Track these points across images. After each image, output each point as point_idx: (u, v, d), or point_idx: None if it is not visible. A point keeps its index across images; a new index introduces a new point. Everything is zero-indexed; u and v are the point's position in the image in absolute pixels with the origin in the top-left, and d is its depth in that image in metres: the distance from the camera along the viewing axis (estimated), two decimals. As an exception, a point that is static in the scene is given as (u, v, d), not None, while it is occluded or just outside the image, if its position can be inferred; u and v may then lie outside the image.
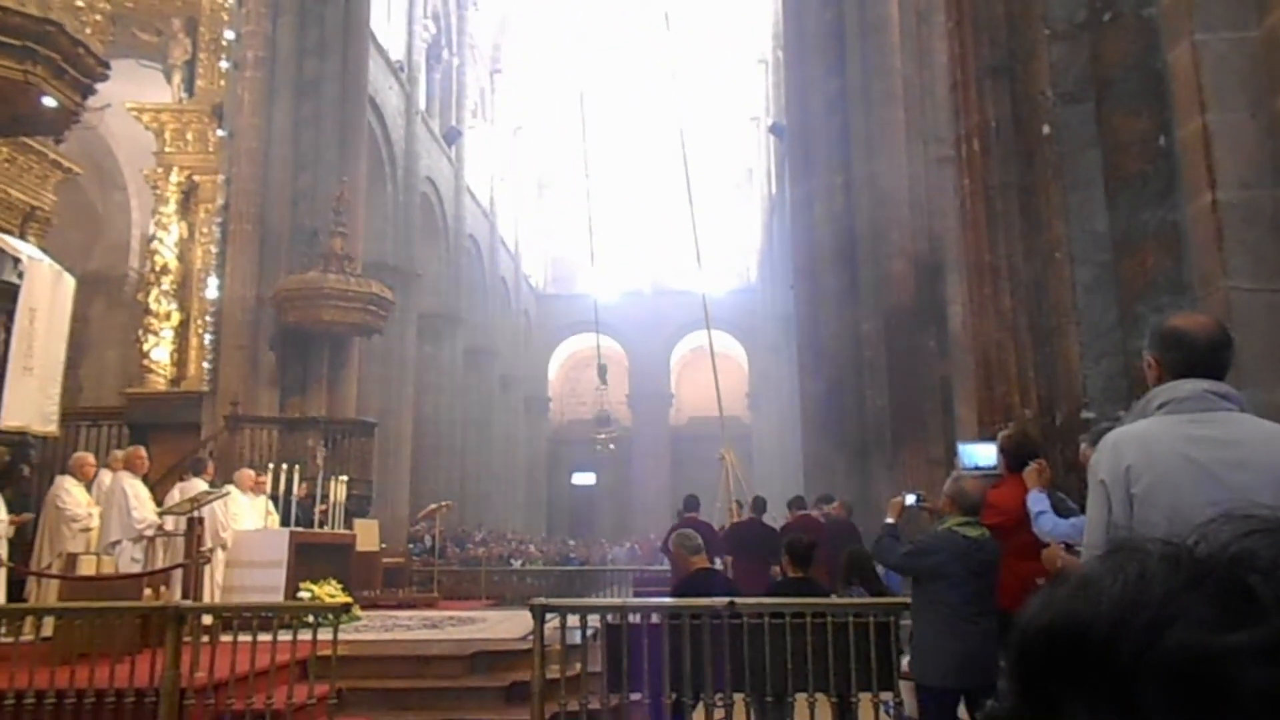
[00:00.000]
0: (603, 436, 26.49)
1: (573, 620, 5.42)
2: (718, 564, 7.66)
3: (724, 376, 16.82)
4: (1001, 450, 4.37)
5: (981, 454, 4.63)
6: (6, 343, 6.10)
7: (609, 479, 31.82)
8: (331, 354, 13.79)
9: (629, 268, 35.19)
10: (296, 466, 10.32)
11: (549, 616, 5.33)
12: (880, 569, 5.50)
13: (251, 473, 9.66)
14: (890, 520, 4.46)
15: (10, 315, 6.21)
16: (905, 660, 4.98)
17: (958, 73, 5.28)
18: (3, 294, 6.20)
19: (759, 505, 9.24)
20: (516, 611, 9.82)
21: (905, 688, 4.97)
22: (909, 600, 4.81)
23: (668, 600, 5.42)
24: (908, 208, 10.60)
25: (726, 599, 4.82)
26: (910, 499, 4.72)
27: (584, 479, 33.13)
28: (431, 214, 22.44)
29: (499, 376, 27.35)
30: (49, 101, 6.71)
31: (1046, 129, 4.59)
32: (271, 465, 10.24)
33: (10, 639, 6.00)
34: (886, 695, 4.83)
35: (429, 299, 21.08)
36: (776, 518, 10.17)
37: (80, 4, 13.14)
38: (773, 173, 26.64)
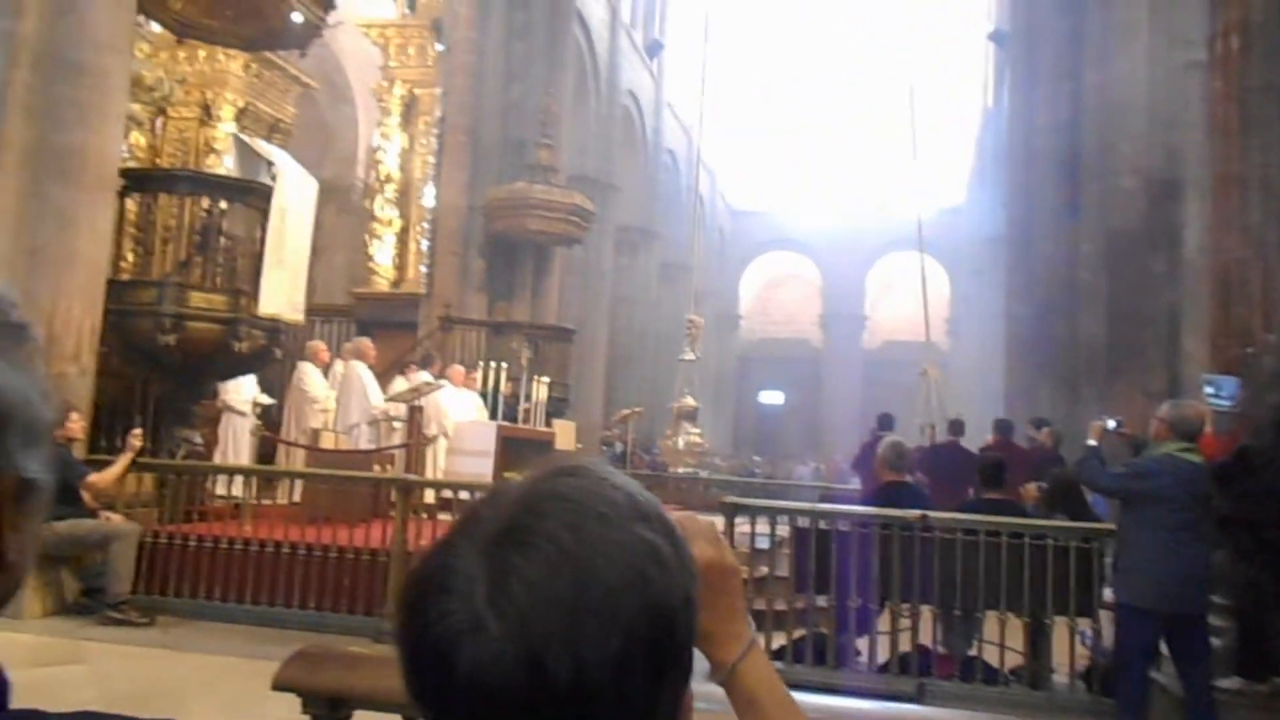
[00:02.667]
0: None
1: (762, 527, 5.58)
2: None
3: (925, 301, 16.22)
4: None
5: (1225, 388, 4.33)
6: (263, 239, 6.81)
7: (797, 399, 31.68)
8: (535, 262, 14.40)
9: (826, 186, 34.25)
10: (503, 366, 10.99)
11: (739, 518, 5.51)
12: (1090, 497, 5.29)
13: (462, 369, 10.36)
14: (1092, 442, 4.29)
15: (265, 214, 6.91)
16: (1107, 591, 4.81)
17: (1218, -39, 4.74)
18: (260, 194, 6.91)
19: (956, 428, 8.99)
20: (705, 516, 10.11)
21: (1104, 618, 4.82)
22: (1114, 528, 4.62)
23: (859, 508, 5.46)
24: (1144, 118, 9.69)
25: (919, 511, 4.81)
26: (1111, 423, 4.52)
27: (772, 397, 33.14)
28: (632, 127, 22.64)
29: (693, 292, 27.58)
30: (296, 16, 7.28)
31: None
32: (480, 364, 10.95)
33: (267, 501, 6.88)
34: (1084, 623, 4.71)
35: (627, 212, 21.45)
36: (974, 444, 9.86)
37: (318, -76, 13.94)
38: (989, 83, 24.89)
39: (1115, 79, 9.75)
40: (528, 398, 11.08)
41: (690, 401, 16.99)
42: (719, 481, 17.24)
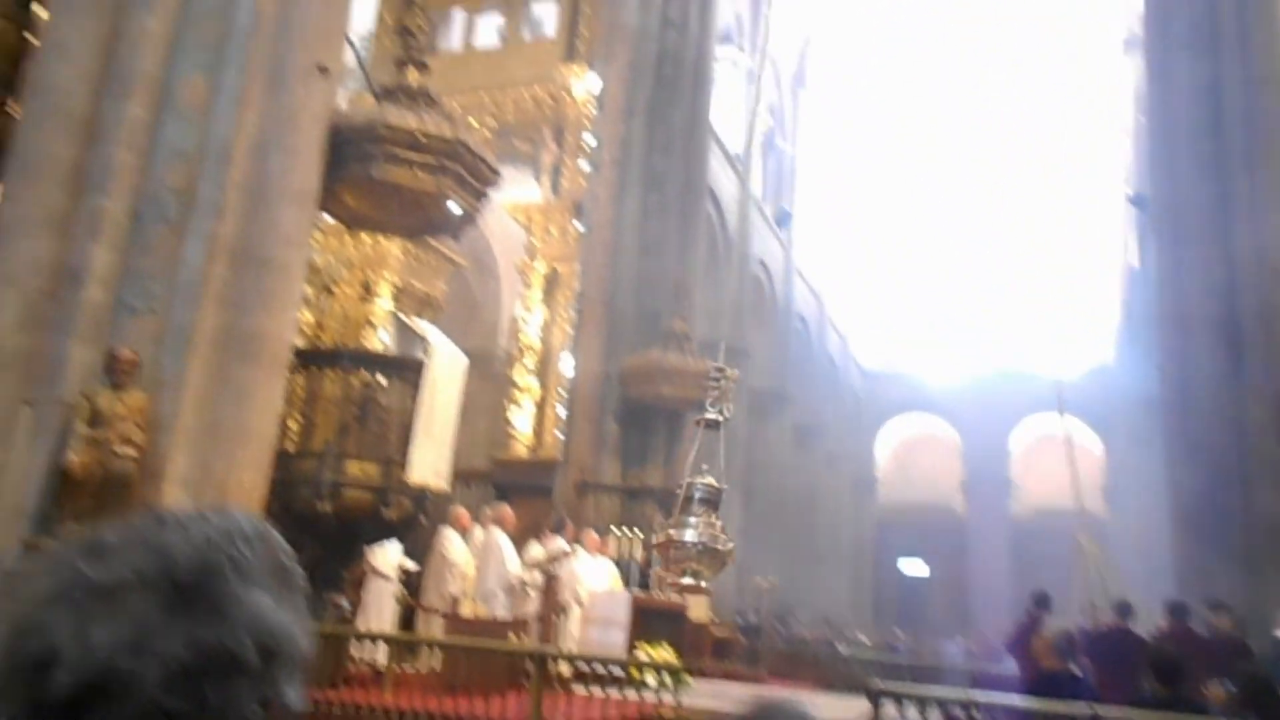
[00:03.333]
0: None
1: (911, 714, 5.23)
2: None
3: (1076, 467, 15.37)
4: None
5: None
6: (414, 410, 7.21)
7: (941, 568, 30.08)
8: (668, 428, 14.58)
9: (962, 346, 33.65)
10: (636, 533, 11.00)
11: (884, 703, 5.19)
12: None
13: (597, 536, 10.41)
14: None
15: (417, 387, 7.34)
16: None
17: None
18: (413, 369, 7.37)
19: (1124, 610, 8.28)
20: (845, 698, 9.54)
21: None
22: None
23: (1019, 699, 5.06)
24: (1307, 279, 9.23)
25: (1087, 706, 4.42)
26: None
27: (913, 566, 31.59)
28: (762, 294, 23.11)
29: (825, 454, 27.15)
30: (454, 208, 7.94)
31: None
32: (614, 530, 10.99)
33: (408, 667, 6.96)
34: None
35: (759, 377, 21.59)
36: (1143, 628, 9.05)
37: (475, 124, 15.36)
38: (1131, 245, 24.35)
39: (1270, 239, 9.39)
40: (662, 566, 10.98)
41: (712, 482, 12.14)
42: (860, 659, 16.30)
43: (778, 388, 23.04)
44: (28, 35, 6.49)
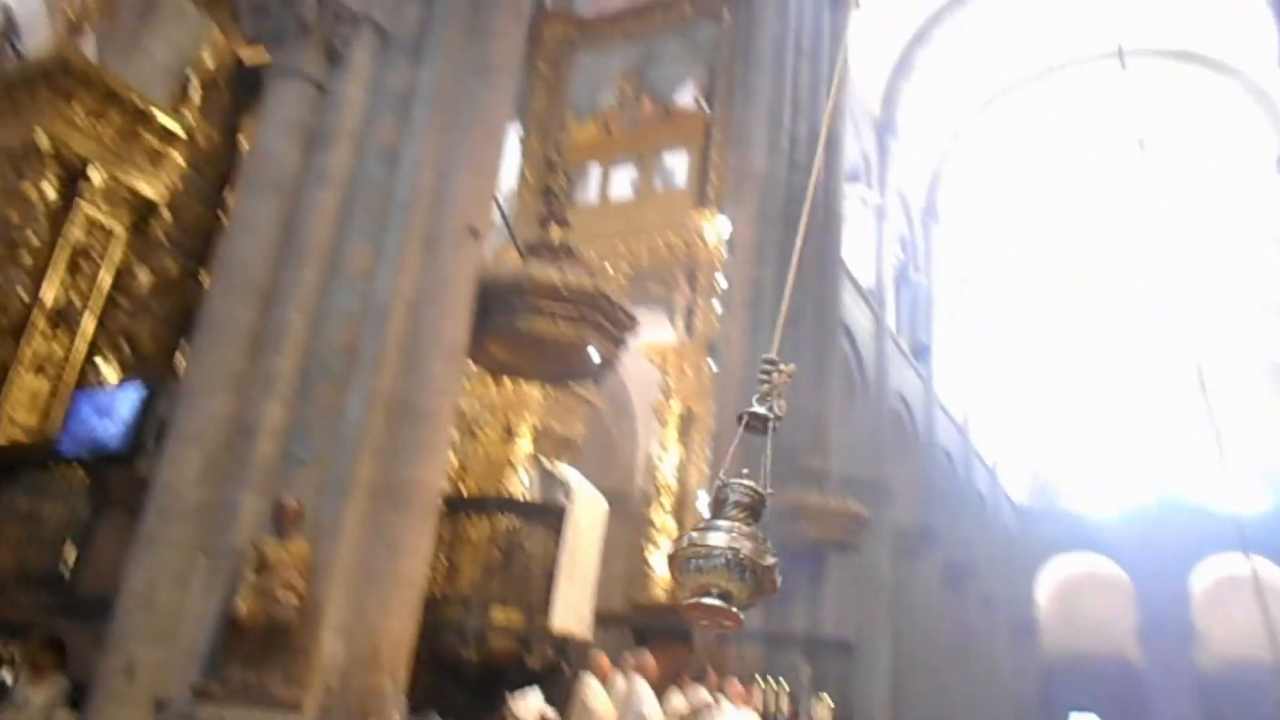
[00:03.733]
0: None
1: None
2: None
3: (1271, 614, 13.89)
4: None
5: None
6: (556, 556, 7.27)
7: (1117, 726, 27.33)
8: (810, 570, 14.11)
9: (1125, 478, 31.54)
10: (781, 682, 10.53)
11: None
12: None
13: (742, 687, 10.02)
14: None
15: (559, 533, 7.43)
16: None
17: None
18: (556, 515, 7.49)
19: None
20: None
21: None
22: None
23: None
24: None
25: None
26: None
27: (1086, 722, 28.81)
28: (902, 428, 22.49)
29: (979, 597, 25.53)
30: (594, 355, 8.21)
31: None
32: (757, 679, 10.56)
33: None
34: None
35: (902, 514, 20.76)
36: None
37: (611, 270, 15.98)
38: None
39: None
40: (809, 717, 10.44)
41: (752, 485, 6.15)
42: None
43: (924, 525, 22.05)
44: (221, 216, 7.27)
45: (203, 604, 5.92)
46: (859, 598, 17.71)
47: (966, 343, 29.11)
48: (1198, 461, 29.36)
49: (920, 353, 23.94)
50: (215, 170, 9.04)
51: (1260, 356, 29.36)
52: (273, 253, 6.93)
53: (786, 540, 13.39)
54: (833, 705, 11.12)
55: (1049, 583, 30.99)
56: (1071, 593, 30.81)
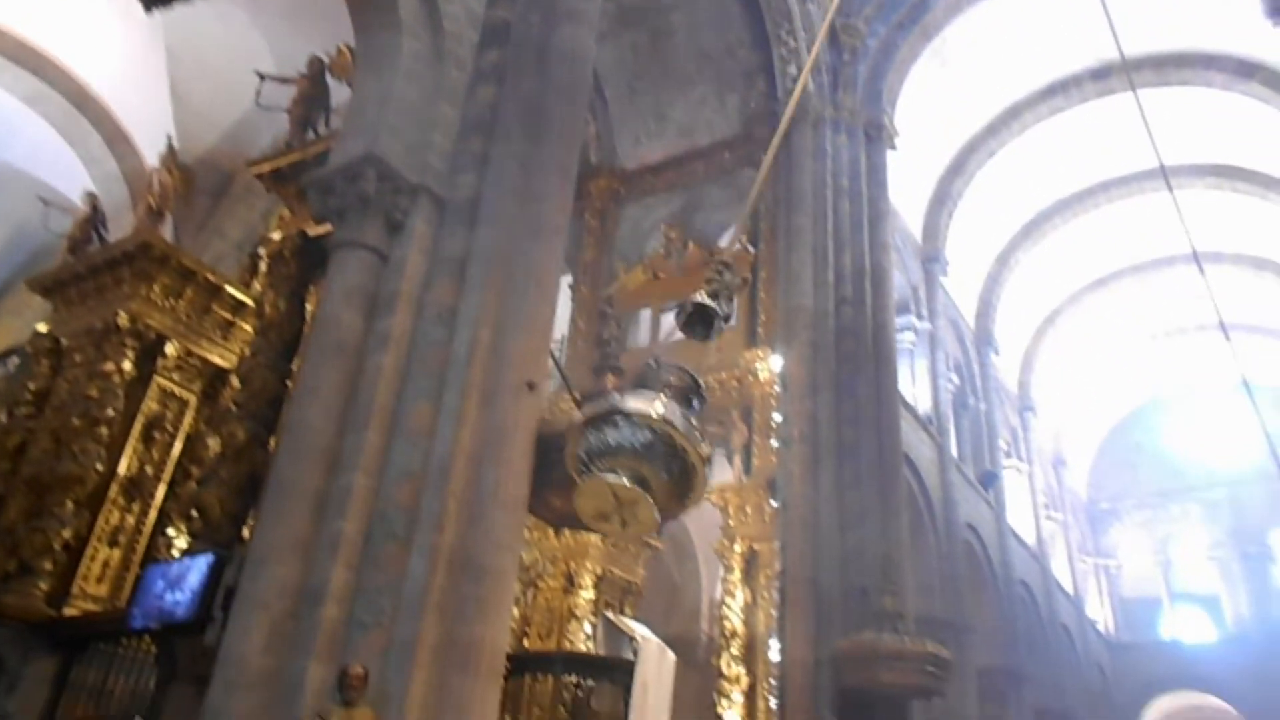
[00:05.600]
0: None
1: None
2: None
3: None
4: None
5: None
6: (625, 715, 7.00)
7: None
8: (891, 717, 13.32)
9: (1221, 607, 29.68)
10: None
11: None
12: None
13: None
14: None
15: (628, 689, 7.18)
16: None
17: None
18: (623, 670, 7.26)
19: None
20: None
21: None
22: None
23: None
24: None
25: None
26: None
27: None
28: (976, 561, 21.63)
29: (1077, 743, 23.79)
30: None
31: None
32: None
33: None
34: None
35: (985, 654, 19.69)
36: None
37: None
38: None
39: None
40: None
41: (687, 368, 4.21)
42: None
43: (1009, 665, 20.85)
44: (288, 383, 7.51)
45: (268, 780, 5.77)
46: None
47: (1034, 468, 28.30)
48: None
49: (987, 481, 23.28)
50: (282, 338, 9.41)
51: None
52: (337, 416, 7.10)
53: (865, 689, 12.72)
54: None
55: (1153, 724, 28.84)
56: (1180, 735, 28.62)
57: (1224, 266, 25.29)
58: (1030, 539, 25.93)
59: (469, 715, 6.24)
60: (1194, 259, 21.71)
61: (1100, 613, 30.50)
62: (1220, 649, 28.31)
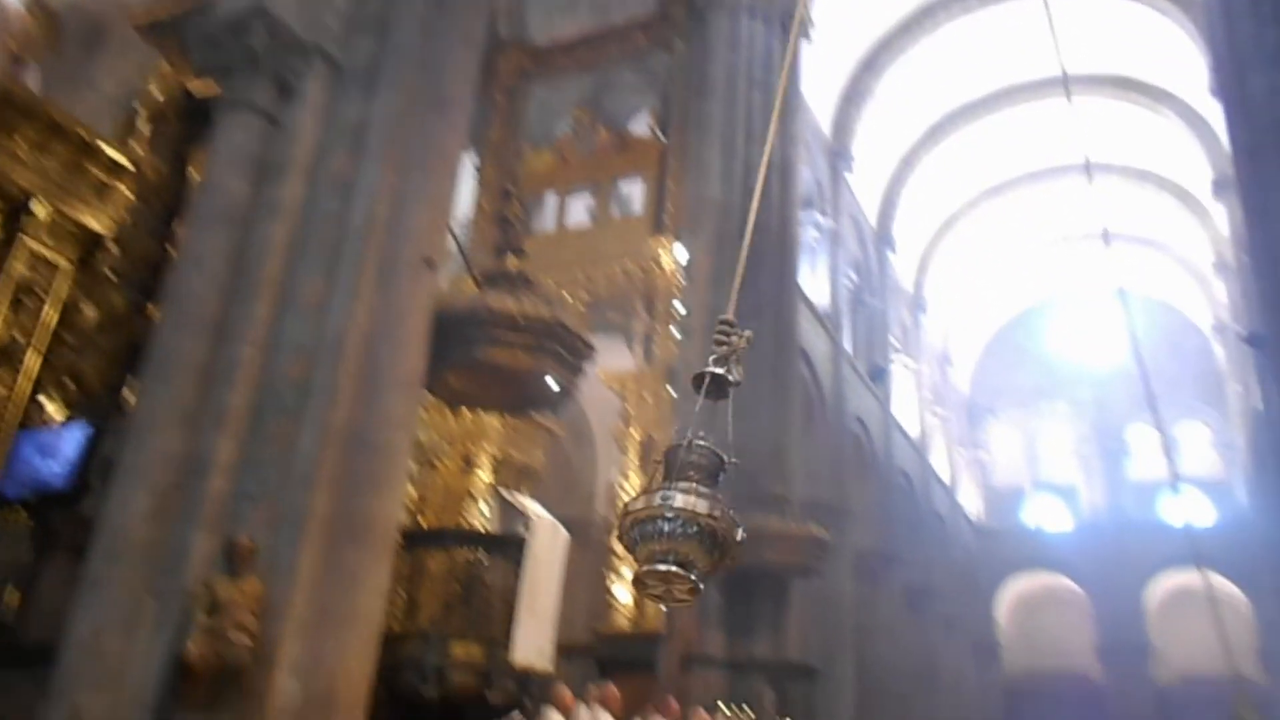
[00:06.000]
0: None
1: None
2: None
3: (1223, 627, 14.13)
4: None
5: None
6: (517, 588, 7.19)
7: (1079, 743, 27.56)
8: (773, 596, 14.09)
9: (1079, 497, 32.04)
10: (746, 709, 10.48)
11: None
12: None
13: (706, 715, 9.95)
14: None
15: (519, 564, 7.35)
16: None
17: None
18: (516, 546, 7.41)
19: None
20: None
21: None
22: None
23: None
24: None
25: None
26: None
27: (1049, 743, 29.02)
28: (861, 451, 22.67)
29: (941, 618, 25.70)
30: (552, 384, 8.18)
31: None
32: (721, 706, 10.50)
33: None
34: None
35: (863, 537, 20.86)
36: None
37: (569, 299, 15.97)
38: (1254, 386, 23.24)
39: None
40: (773, 746, 10.38)
41: (712, 446, 3.38)
42: None
43: (884, 548, 22.19)
44: (170, 249, 7.15)
45: (151, 648, 5.75)
46: (821, 622, 17.73)
47: (921, 365, 29.51)
48: (1152, 478, 29.95)
49: (876, 376, 24.20)
50: (163, 203, 8.90)
51: (1205, 375, 30.10)
52: (223, 286, 6.82)
53: (749, 567, 13.36)
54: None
55: (1008, 602, 31.32)
56: (1030, 611, 31.17)
57: (1112, 178, 26.28)
58: (913, 432, 27.27)
59: (360, 586, 6.30)
60: (1086, 169, 22.48)
61: (970, 501, 32.55)
62: (1074, 535, 30.72)
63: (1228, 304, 25.65)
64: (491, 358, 7.61)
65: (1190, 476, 29.47)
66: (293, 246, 7.09)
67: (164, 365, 6.60)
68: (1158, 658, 28.02)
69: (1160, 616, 28.27)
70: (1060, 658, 29.75)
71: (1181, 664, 26.81)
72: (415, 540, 7.72)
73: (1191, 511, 27.37)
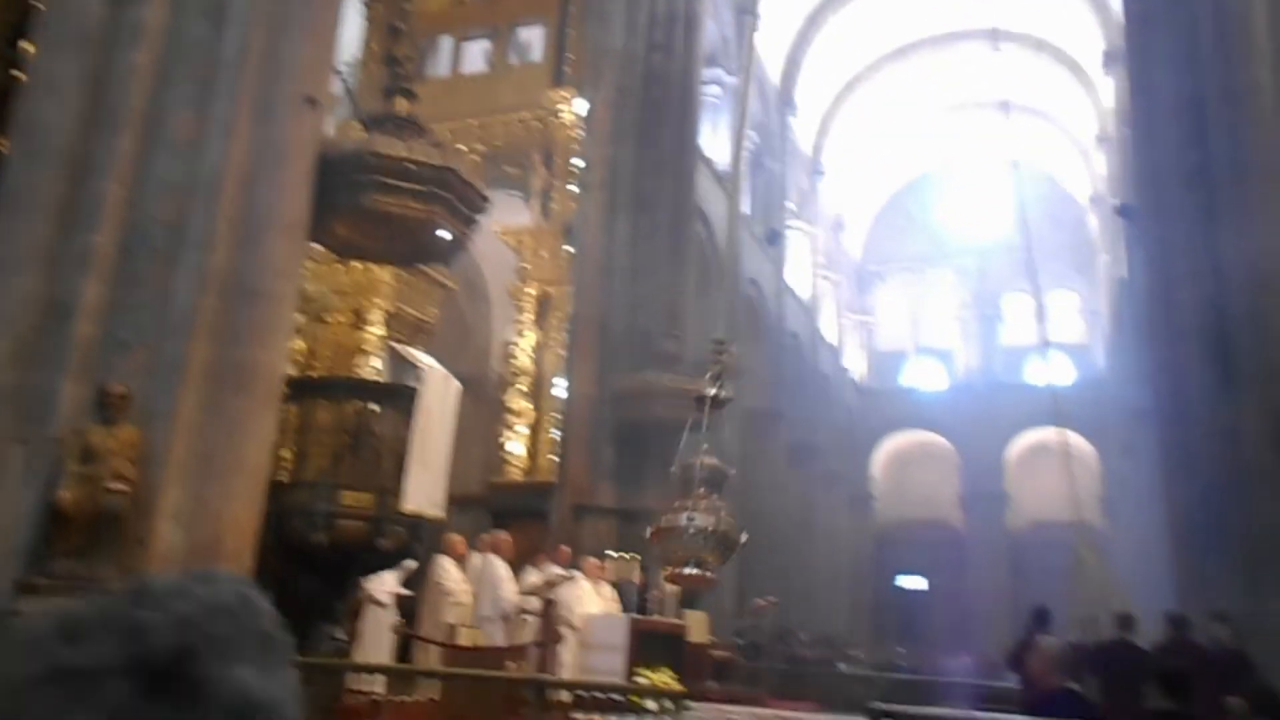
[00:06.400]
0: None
1: (913, 733, 5.21)
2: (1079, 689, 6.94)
3: (1072, 478, 15.41)
4: None
5: None
6: (408, 438, 7.19)
7: (940, 583, 30.01)
8: (663, 449, 14.52)
9: (955, 359, 33.73)
10: (634, 555, 10.95)
11: (887, 725, 5.16)
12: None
13: (596, 561, 10.36)
14: None
15: (410, 415, 7.32)
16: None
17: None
18: (406, 397, 7.36)
19: (1126, 623, 8.26)
20: (848, 718, 9.53)
21: None
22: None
23: (1021, 718, 5.03)
24: (1295, 288, 9.27)
25: (1090, 725, 4.39)
26: None
27: (912, 582, 31.51)
28: (754, 313, 23.16)
29: (822, 473, 27.14)
30: (444, 234, 7.96)
31: None
32: (611, 553, 10.95)
33: (406, 697, 6.90)
34: None
35: (753, 396, 21.57)
36: (1146, 641, 9.04)
37: (464, 149, 15.38)
38: (1121, 257, 24.51)
39: (1261, 250, 9.45)
40: (658, 587, 10.92)
41: (715, 462, 8.46)
42: (860, 677, 16.23)
43: (772, 407, 23.04)
44: (16, 72, 6.50)
45: (21, 496, 5.56)
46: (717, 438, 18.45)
47: (816, 229, 29.95)
48: (1023, 343, 31.64)
49: (772, 239, 24.48)
50: (7, 19, 8.04)
51: (1079, 245, 31.53)
52: (81, 116, 6.28)
53: (640, 421, 13.73)
54: (682, 574, 11.67)
55: (883, 457, 33.22)
56: (903, 465, 33.18)
57: (1012, 46, 26.46)
58: (805, 295, 27.93)
59: (245, 435, 6.19)
60: (992, 36, 22.55)
61: (855, 363, 33.88)
62: (948, 395, 32.51)
63: (1105, 177, 26.66)
64: (379, 205, 7.33)
65: (1057, 342, 31.30)
66: (159, 75, 6.55)
67: (17, 201, 6.11)
68: (1013, 507, 30.44)
69: (1018, 469, 30.56)
70: (928, 508, 31.97)
71: (1033, 512, 29.23)
72: (302, 390, 7.59)
73: (1054, 374, 29.19)
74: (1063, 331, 31.47)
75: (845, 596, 28.56)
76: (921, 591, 31.15)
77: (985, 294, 33.15)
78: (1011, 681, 10.23)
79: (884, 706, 5.08)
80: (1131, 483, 22.50)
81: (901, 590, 31.44)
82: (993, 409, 30.27)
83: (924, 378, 34.24)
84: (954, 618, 28.22)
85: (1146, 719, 4.97)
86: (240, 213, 6.51)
